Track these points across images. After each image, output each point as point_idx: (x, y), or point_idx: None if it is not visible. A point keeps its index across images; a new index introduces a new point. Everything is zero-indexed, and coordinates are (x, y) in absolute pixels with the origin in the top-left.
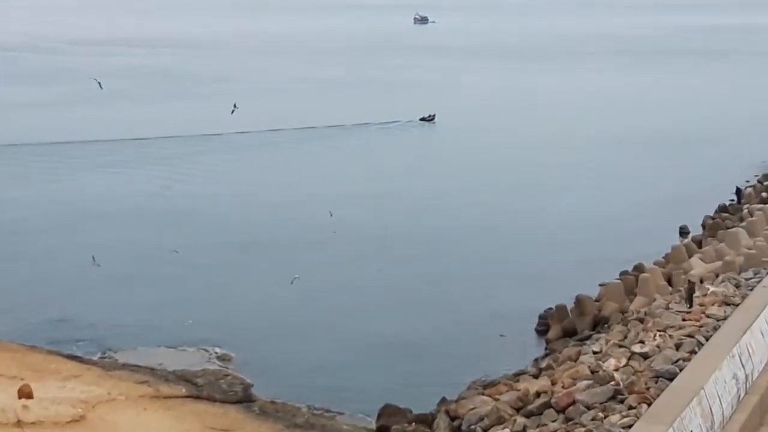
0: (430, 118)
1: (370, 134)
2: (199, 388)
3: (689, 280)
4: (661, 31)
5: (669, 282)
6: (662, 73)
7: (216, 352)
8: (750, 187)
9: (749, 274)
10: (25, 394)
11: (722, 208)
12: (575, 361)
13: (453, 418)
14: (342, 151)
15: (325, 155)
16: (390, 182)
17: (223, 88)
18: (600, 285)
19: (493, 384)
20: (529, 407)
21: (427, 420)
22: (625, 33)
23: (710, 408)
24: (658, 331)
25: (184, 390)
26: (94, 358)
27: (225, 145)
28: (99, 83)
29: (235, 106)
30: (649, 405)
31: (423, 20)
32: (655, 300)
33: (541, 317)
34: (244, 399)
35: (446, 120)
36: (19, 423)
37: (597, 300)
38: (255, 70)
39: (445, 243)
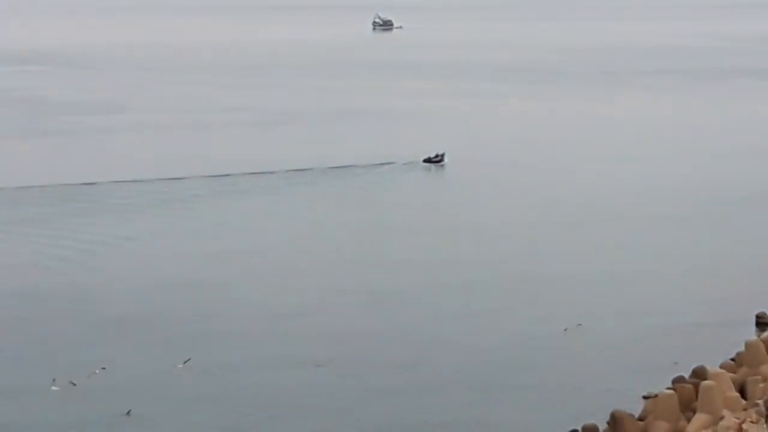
0: (437, 159)
1: (356, 180)
2: None
3: None
4: (726, 42)
5: (742, 393)
6: (728, 101)
7: None
8: None
9: None
10: None
11: None
12: None
13: None
14: (315, 201)
15: (286, 211)
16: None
17: (122, 121)
18: (645, 397)
19: None
20: None
21: None
22: (659, 44)
23: None
24: None
25: None
26: None
27: (138, 197)
28: None
29: None
30: None
31: (386, 25)
32: (722, 419)
33: None
34: None
35: (457, 161)
36: None
37: (641, 419)
38: (174, 95)
39: (443, 340)
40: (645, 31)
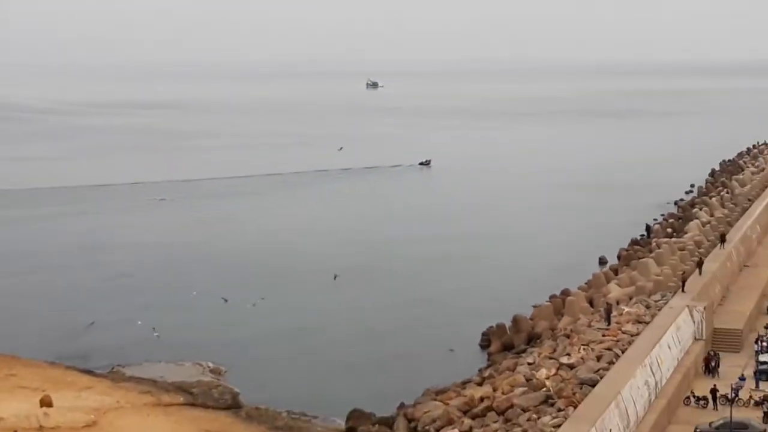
0: (427, 163)
1: (380, 175)
2: (194, 396)
3: (607, 302)
4: (594, 95)
5: (591, 304)
6: (591, 128)
7: (209, 366)
8: (657, 224)
9: (657, 296)
10: (46, 403)
11: (634, 242)
12: (513, 371)
13: (410, 420)
14: (356, 188)
15: (337, 195)
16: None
17: (216, 142)
18: (533, 306)
19: (444, 391)
20: (474, 410)
21: (388, 422)
22: (559, 96)
23: (626, 410)
24: (582, 345)
25: (182, 398)
26: (105, 372)
27: (249, 187)
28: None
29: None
30: (575, 408)
31: (374, 85)
32: (579, 319)
33: (484, 334)
34: (233, 405)
35: (439, 165)
36: (41, 428)
37: (531, 319)
38: (247, 127)
39: (406, 276)
40: (553, 87)
